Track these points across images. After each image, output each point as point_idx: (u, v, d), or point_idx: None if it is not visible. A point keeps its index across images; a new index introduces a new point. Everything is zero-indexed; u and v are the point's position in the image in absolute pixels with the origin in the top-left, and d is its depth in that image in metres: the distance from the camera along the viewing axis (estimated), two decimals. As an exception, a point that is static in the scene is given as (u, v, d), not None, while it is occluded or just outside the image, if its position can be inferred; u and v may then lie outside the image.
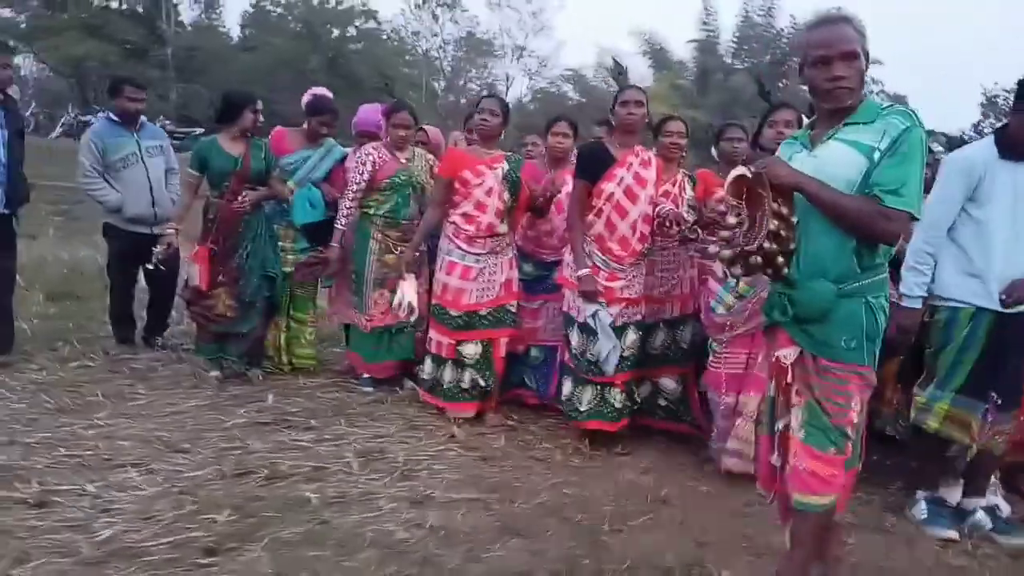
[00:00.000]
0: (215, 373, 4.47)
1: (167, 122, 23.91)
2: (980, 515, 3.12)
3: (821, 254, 2.20)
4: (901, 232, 2.24)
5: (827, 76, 2.18)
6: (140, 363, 4.71)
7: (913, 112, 2.16)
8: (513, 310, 4.22)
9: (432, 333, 4.24)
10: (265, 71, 31.36)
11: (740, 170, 2.20)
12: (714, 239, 3.67)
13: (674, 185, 4.02)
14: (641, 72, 37.58)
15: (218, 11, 36.48)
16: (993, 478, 3.26)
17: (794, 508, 2.24)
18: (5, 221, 4.67)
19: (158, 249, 4.49)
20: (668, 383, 4.08)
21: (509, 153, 4.34)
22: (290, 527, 2.72)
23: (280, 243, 4.61)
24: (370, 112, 4.91)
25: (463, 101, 39.82)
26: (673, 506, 3.21)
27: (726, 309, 3.53)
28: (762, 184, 2.09)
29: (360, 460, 3.37)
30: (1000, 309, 2.99)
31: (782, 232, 2.09)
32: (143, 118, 5.08)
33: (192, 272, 4.41)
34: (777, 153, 2.41)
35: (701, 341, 3.94)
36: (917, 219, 2.17)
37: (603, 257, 3.83)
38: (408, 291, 4.15)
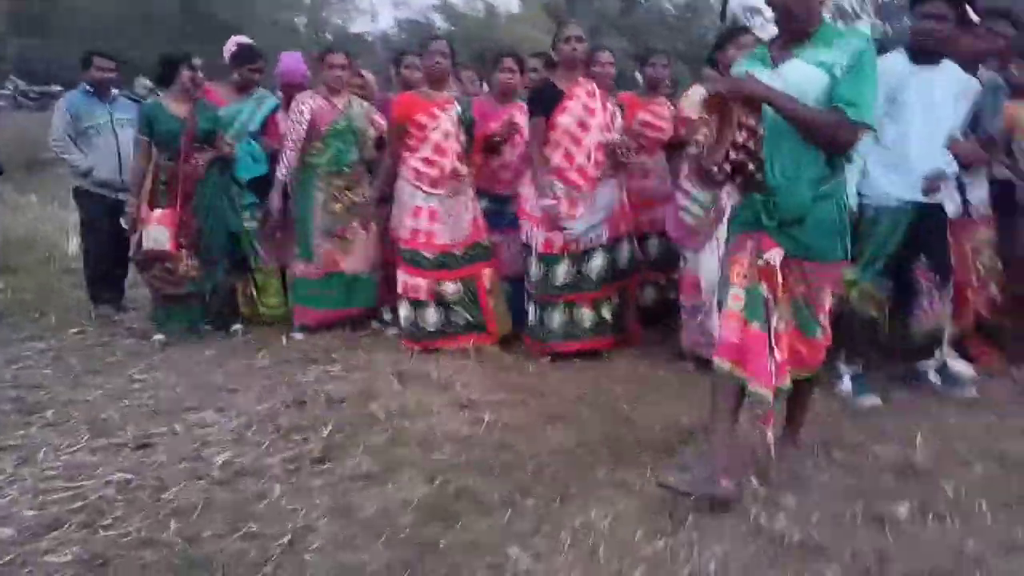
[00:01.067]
0: (158, 337, 4.49)
1: (20, 82, 22.23)
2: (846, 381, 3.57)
3: (796, 160, 2.45)
4: (855, 142, 2.50)
5: None
6: (132, 324, 4.87)
7: (867, 34, 2.53)
8: (486, 244, 4.36)
9: (405, 278, 4.28)
10: (111, 18, 29.28)
11: (711, 86, 2.52)
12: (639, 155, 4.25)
13: (606, 113, 4.23)
14: (507, -4, 37.55)
15: (53, -47, 33.23)
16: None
17: (787, 383, 2.56)
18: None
19: (125, 223, 4.56)
20: (648, 293, 4.60)
21: (458, 94, 4.49)
22: (373, 436, 3.14)
23: (235, 201, 4.67)
24: (293, 61, 4.96)
25: (329, 36, 38.61)
26: (671, 385, 3.81)
27: (693, 219, 3.85)
28: (732, 98, 2.32)
29: (400, 380, 3.79)
30: (921, 200, 3.34)
31: (749, 144, 2.31)
32: (115, 91, 5.21)
33: (151, 237, 4.38)
34: (734, 70, 2.66)
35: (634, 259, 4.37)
36: (873, 129, 2.55)
37: (564, 187, 4.07)
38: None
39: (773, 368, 2.47)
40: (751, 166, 2.33)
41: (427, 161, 4.21)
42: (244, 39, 4.96)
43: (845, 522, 2.44)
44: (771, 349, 2.46)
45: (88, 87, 5.16)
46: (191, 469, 2.84)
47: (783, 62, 2.47)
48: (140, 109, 4.69)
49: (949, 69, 3.41)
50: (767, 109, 2.37)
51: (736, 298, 2.51)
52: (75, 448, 3.00)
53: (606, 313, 4.23)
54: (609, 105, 4.24)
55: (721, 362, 2.53)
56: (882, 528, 2.41)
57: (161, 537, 2.37)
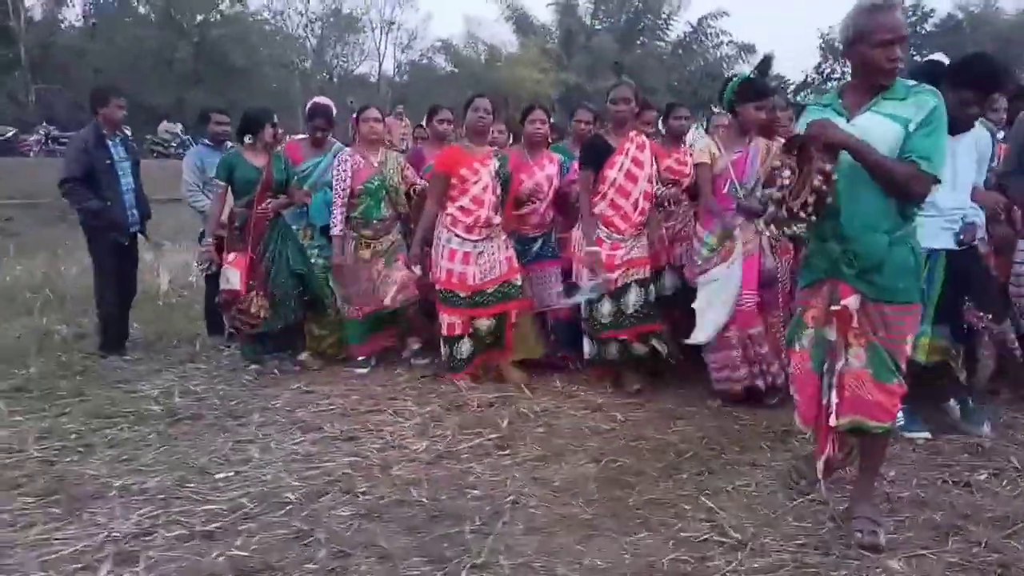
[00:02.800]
0: (254, 367, 4.88)
1: (51, 128, 22.91)
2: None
3: (871, 210, 2.53)
4: (927, 193, 2.55)
5: (889, 56, 2.49)
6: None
7: (936, 91, 2.55)
8: (518, 283, 4.62)
9: (443, 317, 4.58)
10: (128, 64, 30.14)
11: (797, 129, 2.61)
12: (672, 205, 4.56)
13: (655, 165, 4.50)
14: (506, 38, 38.68)
15: (71, 4, 34.18)
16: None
17: (863, 432, 2.65)
18: (133, 238, 5.37)
19: (201, 264, 5.07)
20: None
21: (496, 149, 4.79)
22: (534, 430, 3.80)
23: (302, 241, 5.01)
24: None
25: (335, 79, 39.64)
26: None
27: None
28: (816, 143, 2.44)
29: (529, 388, 4.47)
30: (952, 247, 3.47)
31: (824, 187, 2.42)
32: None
33: (225, 276, 4.78)
34: (805, 117, 2.71)
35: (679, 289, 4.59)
36: (940, 182, 2.57)
37: (607, 231, 4.36)
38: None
39: (828, 406, 2.64)
40: (815, 210, 2.45)
41: (464, 210, 4.51)
42: (322, 99, 5.34)
43: (939, 485, 3.12)
44: (828, 389, 2.65)
45: (207, 141, 5.86)
46: (400, 454, 3.50)
47: (858, 113, 2.57)
48: (222, 158, 5.10)
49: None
50: (844, 160, 2.48)
51: (809, 339, 2.71)
52: (297, 441, 3.65)
53: (657, 344, 4.41)
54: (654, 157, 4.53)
55: (793, 393, 2.89)
56: (968, 488, 3.09)
57: (409, 498, 3.02)
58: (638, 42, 40.20)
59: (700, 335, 4.09)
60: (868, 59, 2.53)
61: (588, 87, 29.54)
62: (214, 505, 2.95)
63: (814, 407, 2.74)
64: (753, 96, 4.02)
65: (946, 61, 3.63)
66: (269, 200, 4.83)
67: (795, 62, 45.82)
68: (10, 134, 21.91)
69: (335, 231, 4.73)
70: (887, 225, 2.55)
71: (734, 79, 4.18)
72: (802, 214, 2.46)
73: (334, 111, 5.25)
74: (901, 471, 3.24)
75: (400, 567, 2.52)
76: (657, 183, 4.52)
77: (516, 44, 38.90)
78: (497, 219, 4.57)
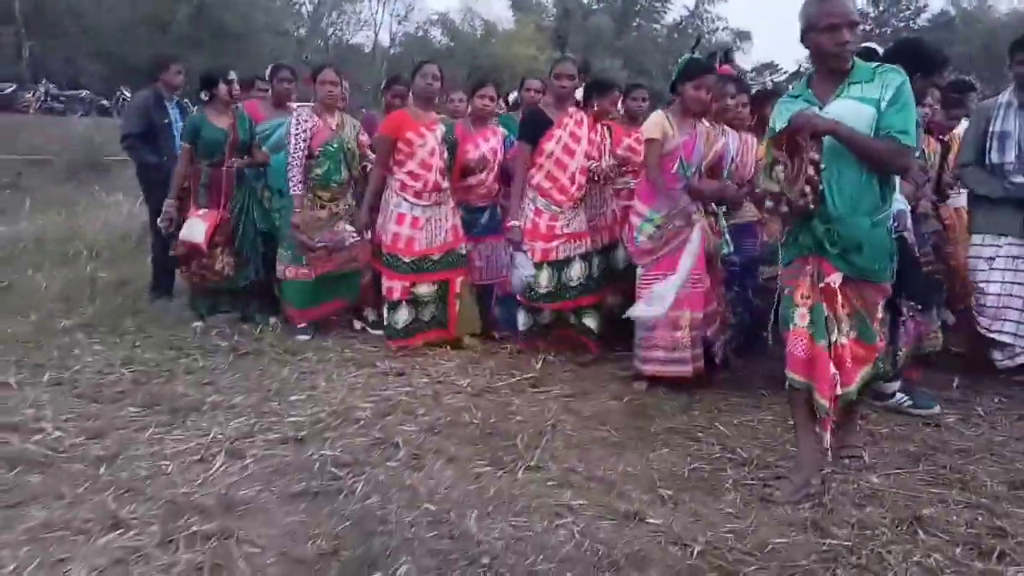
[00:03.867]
0: (197, 324, 4.93)
1: (51, 86, 22.93)
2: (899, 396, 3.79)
3: (855, 192, 2.67)
4: (909, 165, 2.81)
5: (837, 40, 2.60)
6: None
7: (900, 68, 2.67)
8: (463, 252, 4.73)
9: (385, 282, 4.67)
10: (126, 25, 30.02)
11: (781, 116, 2.73)
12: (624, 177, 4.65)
13: (598, 135, 4.67)
14: (502, 14, 38.82)
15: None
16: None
17: (852, 389, 2.79)
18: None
19: (162, 222, 4.95)
20: (612, 299, 4.71)
21: (442, 116, 4.87)
22: (560, 375, 4.31)
23: (264, 204, 5.08)
24: None
25: (329, 48, 39.57)
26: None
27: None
28: (803, 135, 2.57)
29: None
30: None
31: (816, 176, 2.58)
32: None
33: (191, 231, 4.79)
34: (778, 109, 2.83)
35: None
36: (918, 154, 3.00)
37: (545, 201, 4.47)
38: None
39: (837, 378, 2.74)
40: (811, 196, 2.61)
41: (412, 175, 4.58)
42: (282, 62, 5.53)
43: (913, 425, 3.65)
44: (835, 361, 2.74)
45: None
46: (447, 387, 3.99)
47: (829, 100, 2.69)
48: (187, 119, 5.23)
49: None
50: (826, 143, 2.62)
51: (803, 317, 2.77)
52: (354, 374, 4.13)
53: (588, 320, 4.57)
54: (600, 131, 4.68)
55: (794, 376, 2.82)
56: (938, 428, 3.62)
57: (462, 420, 3.52)
58: (634, 24, 40.39)
59: (644, 309, 3.93)
60: (818, 45, 2.65)
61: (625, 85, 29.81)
62: (296, 419, 3.43)
63: (832, 381, 2.74)
64: (691, 75, 3.95)
65: (880, 50, 3.52)
66: (233, 160, 4.94)
67: (791, 51, 46.18)
68: (9, 90, 21.92)
69: (296, 190, 4.67)
70: (868, 207, 2.68)
71: (679, 60, 4.17)
72: (801, 203, 2.61)
73: (298, 72, 5.37)
74: (881, 414, 3.75)
75: (467, 466, 3.02)
76: (608, 158, 4.67)
77: (512, 21, 39.06)
78: (445, 184, 4.67)
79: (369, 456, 3.07)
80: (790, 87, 3.11)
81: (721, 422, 3.60)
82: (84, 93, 23.02)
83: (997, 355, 4.08)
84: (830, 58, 2.67)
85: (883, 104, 2.60)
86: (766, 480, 2.97)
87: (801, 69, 34.20)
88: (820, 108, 2.68)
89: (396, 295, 4.63)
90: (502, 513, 2.64)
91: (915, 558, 2.42)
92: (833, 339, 2.74)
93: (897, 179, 2.96)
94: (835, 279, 2.71)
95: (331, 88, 4.77)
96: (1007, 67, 4.08)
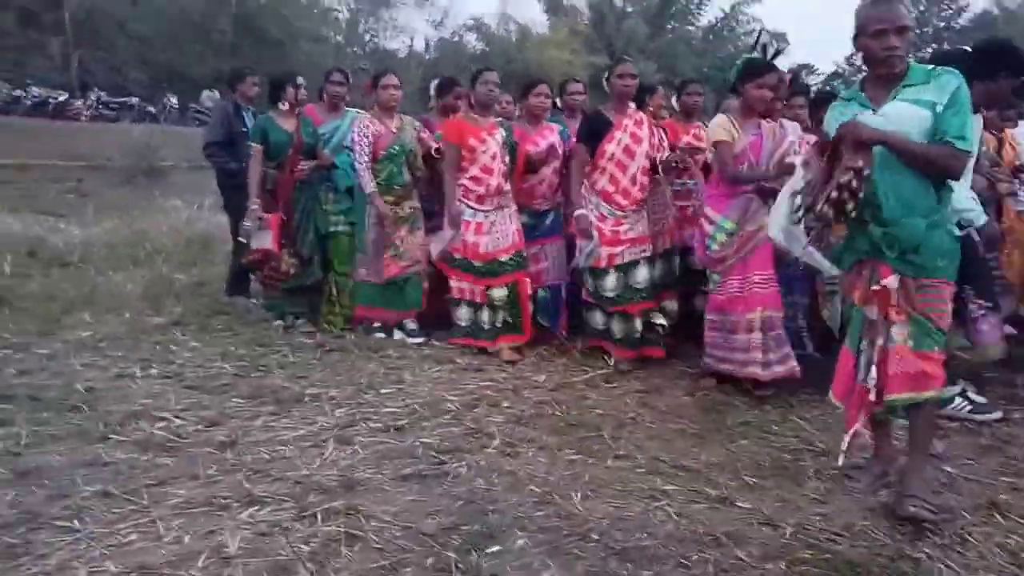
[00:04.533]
0: (278, 323, 5.16)
1: (101, 93, 23.62)
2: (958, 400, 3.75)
3: (909, 195, 2.64)
4: (964, 169, 2.68)
5: (884, 46, 2.59)
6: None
7: (957, 71, 2.62)
8: (525, 254, 4.80)
9: (460, 283, 4.78)
10: (169, 33, 30.75)
11: (833, 118, 2.73)
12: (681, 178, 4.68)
13: (655, 137, 4.62)
14: (537, 18, 38.98)
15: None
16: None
17: (907, 407, 2.72)
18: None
19: (249, 224, 5.00)
20: (670, 304, 4.72)
21: (501, 120, 4.92)
22: (628, 375, 4.49)
23: (324, 206, 5.22)
24: None
25: (364, 53, 40.09)
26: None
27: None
28: (845, 142, 2.55)
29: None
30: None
31: (853, 184, 2.52)
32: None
33: (258, 237, 4.99)
34: (831, 113, 2.82)
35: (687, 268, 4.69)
36: (976, 159, 2.85)
37: (608, 207, 4.48)
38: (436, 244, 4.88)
39: (865, 383, 2.77)
40: (850, 205, 2.55)
41: (475, 179, 4.70)
42: (339, 67, 5.74)
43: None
44: (865, 367, 2.77)
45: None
46: (525, 382, 4.20)
47: (883, 103, 2.67)
48: (255, 122, 5.33)
49: None
50: (877, 149, 2.58)
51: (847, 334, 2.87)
52: (436, 369, 4.36)
53: (658, 320, 4.61)
54: (656, 131, 4.64)
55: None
56: (1006, 422, 3.72)
57: (545, 412, 3.72)
58: (669, 26, 40.36)
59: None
60: (868, 49, 2.65)
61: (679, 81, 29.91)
62: (392, 409, 3.66)
63: (847, 383, 2.87)
64: (753, 74, 3.99)
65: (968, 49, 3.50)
66: (303, 163, 5.09)
67: (827, 53, 45.80)
68: (61, 99, 22.62)
69: (370, 189, 4.85)
70: (923, 209, 2.64)
71: (738, 61, 4.22)
72: (827, 210, 2.57)
73: (351, 77, 5.49)
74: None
75: (558, 454, 3.21)
76: (664, 152, 4.58)
77: (546, 25, 39.23)
78: (507, 187, 4.76)
79: (467, 444, 3.29)
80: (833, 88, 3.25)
81: (795, 416, 3.76)
82: (134, 100, 23.64)
83: None
84: (878, 63, 2.66)
85: (939, 107, 2.57)
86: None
87: (838, 71, 34.05)
88: (873, 111, 2.66)
89: (477, 298, 4.75)
90: (601, 496, 2.84)
91: (996, 539, 2.57)
92: (879, 343, 2.72)
93: (968, 176, 3.06)
94: (891, 282, 2.67)
95: (393, 91, 4.96)
96: None
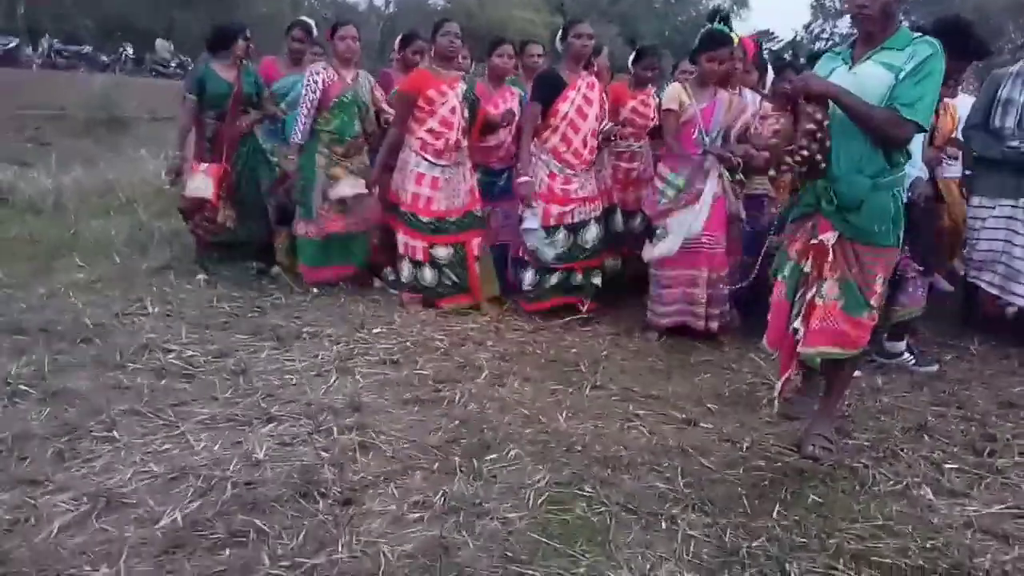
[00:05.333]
0: (201, 276, 4.98)
1: (54, 41, 22.92)
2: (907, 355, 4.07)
3: (858, 154, 2.68)
4: (909, 138, 2.69)
5: (854, 3, 2.64)
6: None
7: (937, 42, 2.63)
8: (479, 214, 4.78)
9: (405, 238, 4.69)
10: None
11: (819, 71, 2.79)
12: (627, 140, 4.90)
13: (603, 103, 4.72)
14: (501, -23, 38.60)
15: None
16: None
17: (824, 360, 2.84)
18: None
19: (168, 175, 5.08)
20: (610, 262, 5.02)
21: (464, 74, 4.88)
22: (601, 320, 4.84)
23: (275, 159, 5.12)
24: None
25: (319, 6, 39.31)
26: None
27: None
28: (799, 95, 2.65)
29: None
30: None
31: (818, 134, 2.60)
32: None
33: (196, 186, 4.87)
34: (820, 64, 2.89)
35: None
36: (924, 129, 2.75)
37: (559, 165, 4.54)
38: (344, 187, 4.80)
39: (802, 334, 2.84)
40: (819, 156, 2.63)
41: (433, 133, 4.57)
42: (303, 18, 5.57)
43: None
44: (795, 317, 2.86)
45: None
46: (503, 328, 4.50)
47: (859, 62, 2.71)
48: (191, 71, 5.26)
49: None
50: (834, 107, 2.66)
51: (789, 270, 2.92)
52: (422, 312, 4.63)
53: (596, 279, 4.77)
54: (603, 96, 4.75)
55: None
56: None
57: (527, 351, 4.06)
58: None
59: (655, 251, 4.33)
60: (847, 4, 2.75)
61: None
62: (386, 346, 3.95)
63: (780, 332, 2.96)
64: (708, 47, 4.17)
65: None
66: (246, 117, 5.01)
67: (787, 19, 46.34)
68: (12, 45, 21.95)
69: (296, 139, 4.74)
70: (872, 169, 2.68)
71: (702, 30, 4.37)
72: (799, 157, 2.64)
73: (315, 30, 5.37)
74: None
75: (541, 385, 3.56)
76: (606, 121, 4.70)
77: (510, -17, 38.87)
78: (464, 142, 4.69)
79: (458, 375, 3.61)
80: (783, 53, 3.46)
81: (751, 355, 4.14)
82: (87, 49, 23.03)
83: (990, 307, 4.53)
84: (853, 20, 2.75)
85: (902, 74, 2.59)
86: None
87: (797, 38, 34.57)
88: (849, 68, 2.72)
89: (419, 255, 4.68)
90: (581, 418, 3.19)
91: (922, 453, 2.99)
92: (809, 296, 2.79)
93: (919, 144, 3.33)
94: (829, 237, 2.73)
95: (350, 43, 4.82)
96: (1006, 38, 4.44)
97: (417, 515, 2.35)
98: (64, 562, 2.03)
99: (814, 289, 2.78)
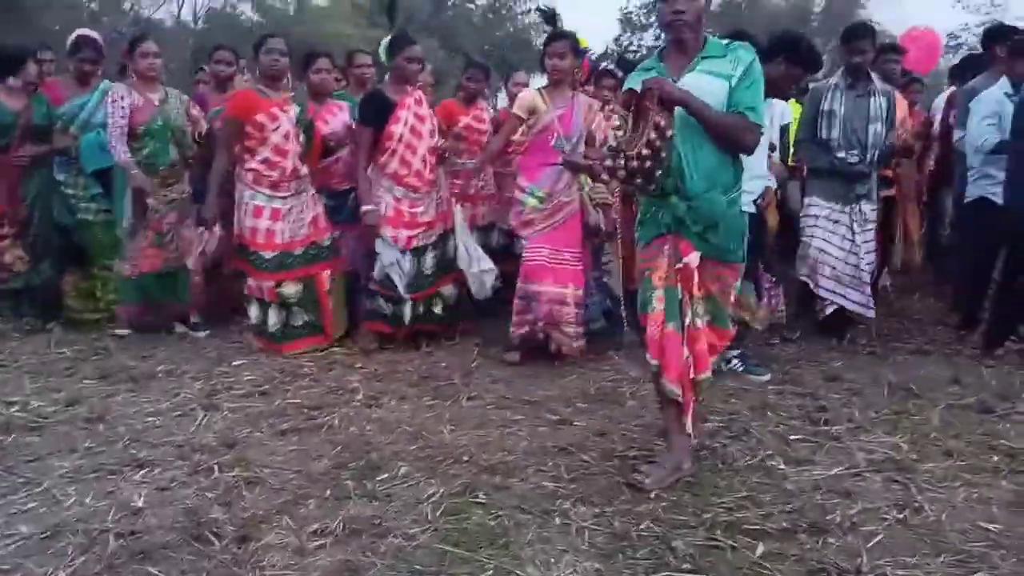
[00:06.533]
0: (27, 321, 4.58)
1: None
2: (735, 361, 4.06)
3: (711, 169, 2.64)
4: (757, 143, 2.70)
5: (671, 9, 2.60)
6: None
7: (750, 47, 2.69)
8: (326, 244, 4.43)
9: (250, 280, 4.31)
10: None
11: (632, 85, 2.62)
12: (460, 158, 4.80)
13: (433, 119, 4.54)
14: (316, -12, 38.00)
15: None
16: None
17: (695, 383, 2.76)
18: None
19: None
20: (446, 290, 4.56)
21: (293, 94, 4.51)
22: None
23: (72, 191, 4.63)
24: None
25: (123, 24, 36.93)
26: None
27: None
28: (651, 98, 2.49)
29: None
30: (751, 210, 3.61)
31: (657, 143, 2.47)
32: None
33: None
34: (629, 80, 2.78)
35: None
36: (762, 133, 2.73)
37: (403, 190, 4.30)
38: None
39: (691, 361, 2.72)
40: (651, 164, 2.50)
41: (268, 163, 4.20)
42: (86, 31, 4.95)
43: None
44: (687, 343, 2.72)
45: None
46: (375, 349, 4.50)
47: (684, 74, 2.65)
48: None
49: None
50: (681, 118, 2.57)
51: (660, 300, 2.72)
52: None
53: (437, 308, 4.54)
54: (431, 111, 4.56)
55: (653, 360, 2.77)
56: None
57: (398, 369, 4.09)
58: (449, 3, 40.96)
59: (483, 291, 4.39)
60: (660, 14, 2.71)
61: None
62: (251, 377, 3.87)
63: (684, 364, 2.73)
64: (547, 43, 4.19)
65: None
66: (26, 148, 4.53)
67: (598, 33, 48.80)
68: None
69: (122, 159, 4.29)
70: (724, 184, 2.68)
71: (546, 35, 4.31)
72: (635, 164, 2.49)
73: (102, 44, 4.82)
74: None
75: (419, 401, 3.61)
76: (437, 138, 4.50)
77: (328, -6, 38.36)
78: (304, 169, 4.36)
79: (333, 399, 3.59)
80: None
81: (610, 353, 4.39)
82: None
83: (819, 305, 4.55)
84: (667, 28, 2.68)
85: (733, 80, 2.60)
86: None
87: (608, 51, 36.43)
88: (673, 81, 2.63)
89: (266, 295, 4.29)
90: (462, 429, 3.28)
91: (769, 428, 3.33)
92: (687, 322, 2.71)
93: (762, 158, 3.52)
94: (693, 259, 2.68)
95: (153, 60, 4.39)
96: (837, 53, 4.57)
97: (319, 543, 2.33)
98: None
99: (689, 315, 2.72)
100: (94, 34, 4.84)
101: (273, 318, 4.31)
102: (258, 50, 4.30)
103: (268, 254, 4.24)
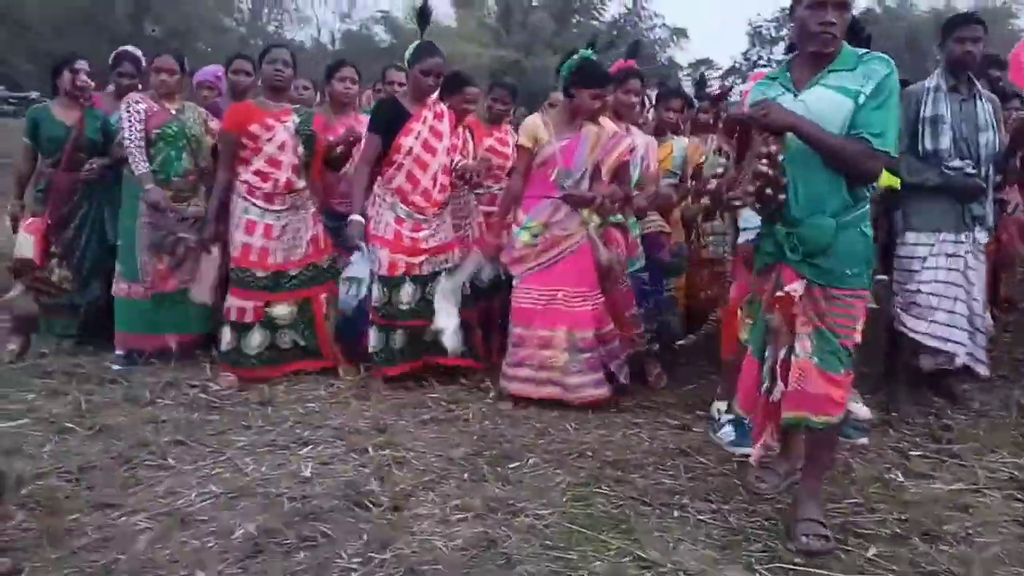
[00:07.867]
0: (44, 351, 4.38)
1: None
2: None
3: (819, 192, 2.40)
4: (880, 172, 2.47)
5: (819, 20, 2.35)
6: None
7: (890, 58, 2.38)
8: (324, 265, 4.16)
9: (232, 300, 4.00)
10: (61, 24, 29.59)
11: (736, 112, 2.56)
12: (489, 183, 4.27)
13: (459, 138, 4.17)
14: (444, 10, 39.44)
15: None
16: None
17: (807, 427, 2.49)
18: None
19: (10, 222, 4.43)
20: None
21: (298, 106, 4.21)
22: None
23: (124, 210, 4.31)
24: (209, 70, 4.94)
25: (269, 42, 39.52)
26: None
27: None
28: (755, 126, 2.36)
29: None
30: None
31: (770, 172, 2.30)
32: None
33: (21, 245, 4.25)
34: (752, 91, 2.64)
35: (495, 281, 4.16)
36: (894, 159, 2.49)
37: (407, 209, 3.93)
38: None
39: (768, 393, 2.59)
40: (770, 191, 2.34)
41: (260, 175, 4.00)
42: (129, 48, 4.80)
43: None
44: (767, 377, 2.58)
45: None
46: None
47: (806, 88, 2.44)
48: (28, 113, 4.55)
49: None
50: (791, 138, 2.36)
51: (749, 331, 2.73)
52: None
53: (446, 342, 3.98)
54: (460, 130, 4.20)
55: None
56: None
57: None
58: (573, 20, 41.47)
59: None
60: (801, 22, 2.41)
61: (525, 64, 30.83)
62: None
63: (753, 394, 2.67)
64: (592, 82, 3.68)
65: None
66: (92, 161, 4.30)
67: (725, 48, 48.22)
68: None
69: (140, 169, 4.06)
70: (835, 208, 2.41)
71: (574, 57, 3.76)
72: (748, 201, 2.40)
73: (143, 60, 4.68)
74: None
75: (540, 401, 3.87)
76: (459, 158, 4.14)
77: (454, 18, 39.73)
78: (300, 183, 4.08)
79: (467, 396, 3.94)
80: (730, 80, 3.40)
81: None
82: (34, 94, 22.80)
83: (925, 360, 3.69)
84: (811, 39, 2.40)
85: (862, 97, 2.34)
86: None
87: (736, 65, 35.94)
88: (795, 95, 2.44)
89: (247, 317, 4.00)
90: (586, 428, 3.53)
91: (890, 444, 3.40)
92: (781, 355, 2.52)
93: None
94: (796, 287, 2.44)
95: (167, 78, 4.20)
96: (938, 50, 3.83)
97: (460, 516, 2.64)
98: (164, 568, 2.27)
99: (785, 348, 2.51)
100: (134, 50, 4.77)
101: (256, 339, 4.02)
102: (262, 59, 4.15)
103: (261, 272, 4.03)
